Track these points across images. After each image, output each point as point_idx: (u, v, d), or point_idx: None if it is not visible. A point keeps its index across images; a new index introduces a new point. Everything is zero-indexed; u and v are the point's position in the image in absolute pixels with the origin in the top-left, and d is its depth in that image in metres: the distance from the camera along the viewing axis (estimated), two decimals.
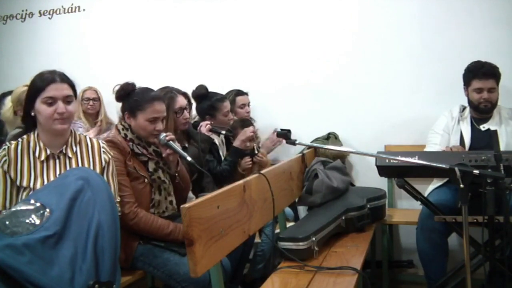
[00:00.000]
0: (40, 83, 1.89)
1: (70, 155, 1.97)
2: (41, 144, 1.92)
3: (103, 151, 2.07)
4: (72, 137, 2.01)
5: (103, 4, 4.10)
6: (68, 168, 1.94)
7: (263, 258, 2.85)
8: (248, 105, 3.45)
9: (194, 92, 3.04)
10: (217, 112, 3.02)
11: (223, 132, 2.93)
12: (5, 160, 1.85)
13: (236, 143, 2.94)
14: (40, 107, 1.88)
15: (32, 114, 1.91)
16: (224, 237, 1.84)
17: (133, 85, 2.29)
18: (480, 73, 2.77)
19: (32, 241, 1.48)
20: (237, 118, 3.23)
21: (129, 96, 2.27)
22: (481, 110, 2.82)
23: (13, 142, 1.91)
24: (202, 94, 3.03)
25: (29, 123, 1.95)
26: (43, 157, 1.90)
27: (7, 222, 1.53)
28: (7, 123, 2.87)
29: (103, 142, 2.13)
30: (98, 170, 2.00)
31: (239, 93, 3.41)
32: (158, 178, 2.29)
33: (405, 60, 3.37)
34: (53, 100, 1.89)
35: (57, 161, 1.94)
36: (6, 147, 1.89)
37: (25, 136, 1.94)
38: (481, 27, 3.20)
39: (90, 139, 2.09)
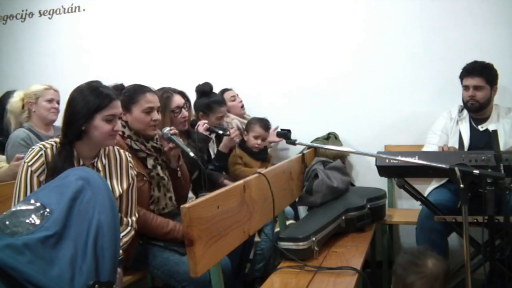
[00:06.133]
0: (101, 99, 1.88)
1: (99, 167, 1.98)
2: (75, 153, 1.93)
3: (130, 167, 2.08)
4: (103, 149, 2.02)
5: (103, 4, 4.09)
6: None
7: (263, 258, 2.85)
8: (238, 96, 3.55)
9: (198, 87, 3.17)
10: (211, 113, 3.08)
11: (220, 132, 2.95)
12: (44, 170, 1.84)
13: (222, 148, 3.02)
14: (99, 123, 1.89)
15: (83, 128, 1.89)
16: (224, 237, 1.84)
17: (121, 85, 2.32)
18: (467, 70, 2.79)
19: (32, 241, 1.47)
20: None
21: (120, 94, 2.26)
22: (468, 109, 2.83)
23: (48, 146, 1.89)
24: (203, 91, 3.14)
25: (73, 136, 1.91)
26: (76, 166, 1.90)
27: (7, 222, 1.52)
28: (13, 115, 2.89)
29: (129, 155, 2.12)
30: (125, 185, 2.03)
31: (224, 90, 3.51)
32: (157, 175, 2.28)
33: (405, 60, 3.37)
34: (113, 118, 1.91)
35: None
36: (42, 151, 1.86)
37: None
38: (481, 27, 3.20)
39: (118, 150, 2.09)
